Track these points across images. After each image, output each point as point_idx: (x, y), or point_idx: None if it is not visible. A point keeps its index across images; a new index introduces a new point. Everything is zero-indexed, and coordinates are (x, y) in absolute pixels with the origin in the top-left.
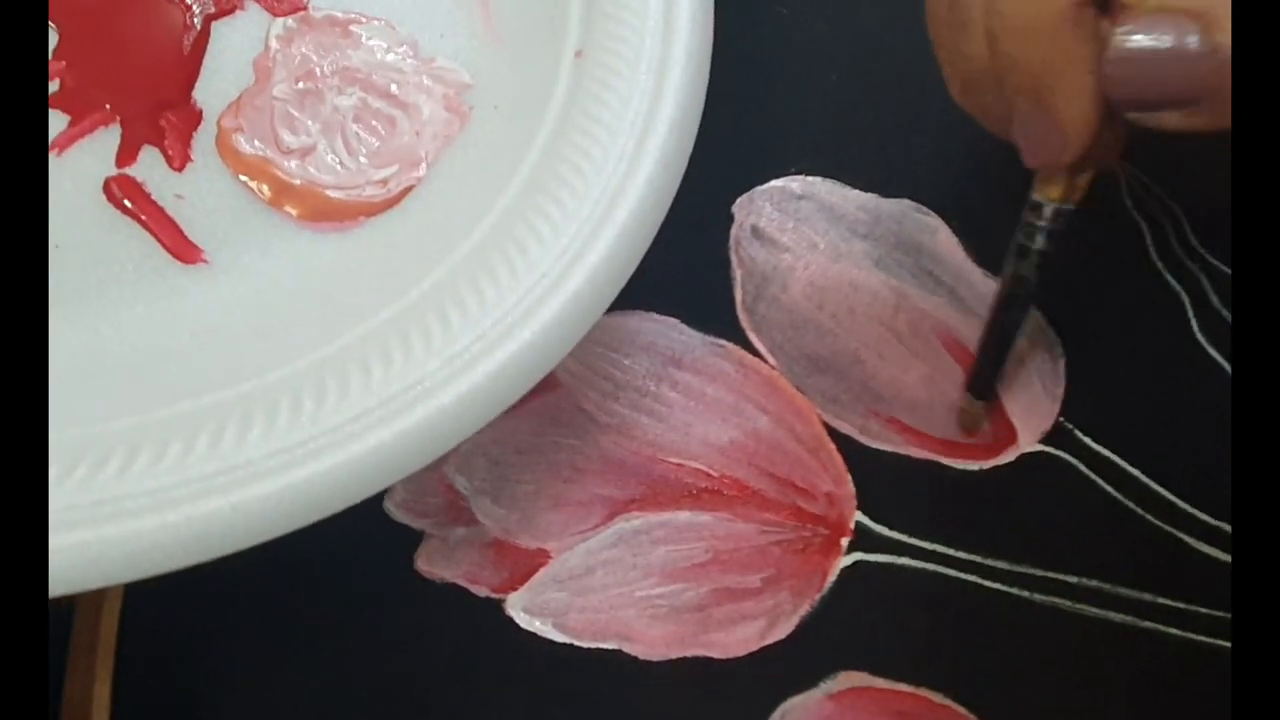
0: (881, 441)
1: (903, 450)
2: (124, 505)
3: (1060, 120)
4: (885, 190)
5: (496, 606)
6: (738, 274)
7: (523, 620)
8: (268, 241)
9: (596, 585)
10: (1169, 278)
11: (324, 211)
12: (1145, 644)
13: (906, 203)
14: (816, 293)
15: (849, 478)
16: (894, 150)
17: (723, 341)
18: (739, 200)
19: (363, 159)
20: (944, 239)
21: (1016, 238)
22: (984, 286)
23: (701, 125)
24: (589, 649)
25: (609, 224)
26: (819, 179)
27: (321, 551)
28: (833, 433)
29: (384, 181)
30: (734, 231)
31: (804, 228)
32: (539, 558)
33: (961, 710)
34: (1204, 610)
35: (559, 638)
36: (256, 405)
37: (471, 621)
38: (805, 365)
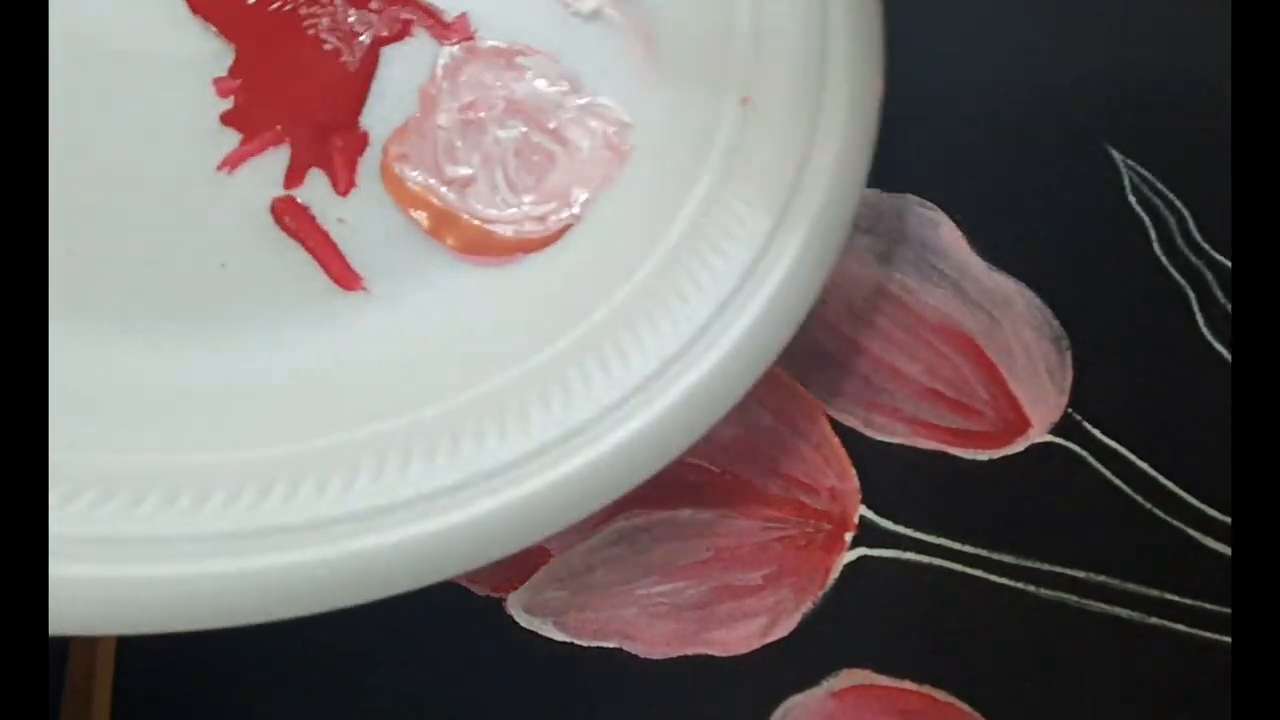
0: (887, 434)
1: (909, 441)
2: (283, 538)
3: None
4: (888, 185)
5: (497, 605)
6: None
7: (523, 619)
8: (426, 272)
9: (597, 584)
10: (1174, 272)
11: (482, 245)
12: (1152, 640)
13: (909, 197)
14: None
15: (853, 472)
16: (896, 145)
17: None
18: None
19: (522, 193)
20: (947, 233)
21: None
22: (988, 280)
23: None
24: (590, 648)
25: (771, 276)
26: None
27: None
28: (837, 427)
29: (542, 218)
30: None
31: None
32: (539, 556)
33: (966, 708)
34: (1211, 606)
35: (559, 636)
36: (418, 440)
37: (471, 621)
38: (808, 360)
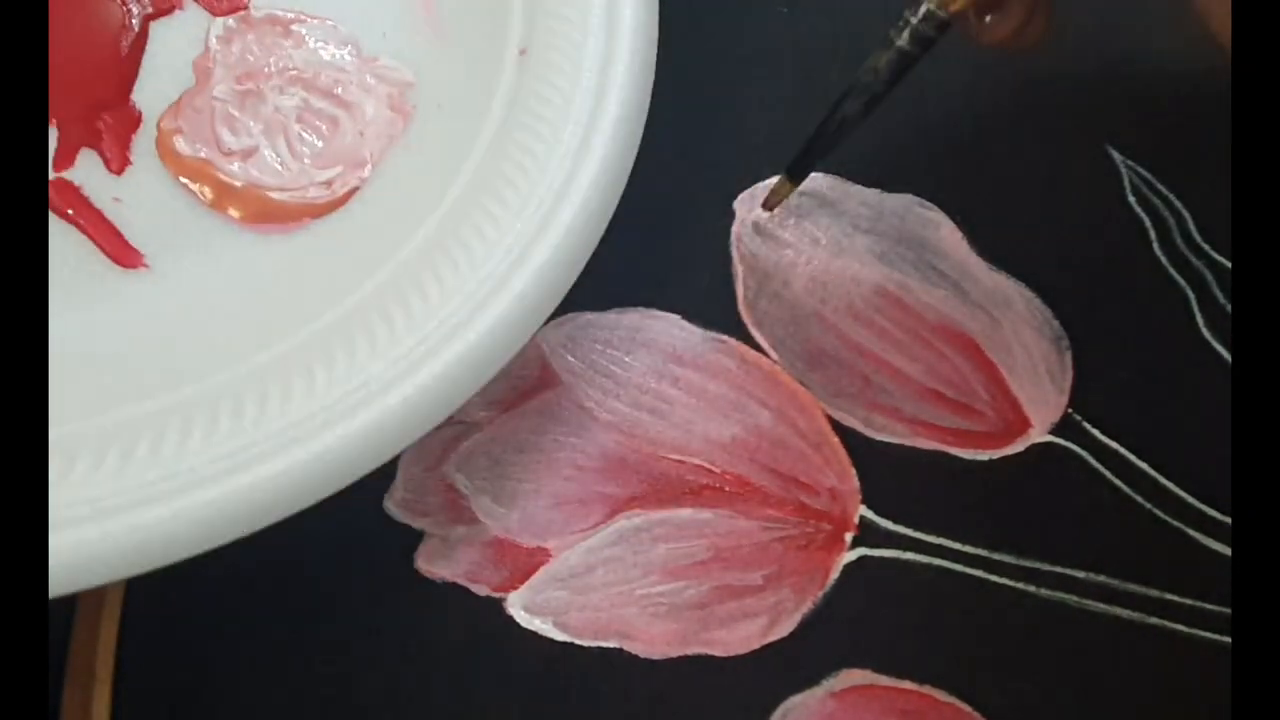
0: (887, 434)
1: (909, 441)
2: (60, 515)
3: None
4: (887, 185)
5: (497, 605)
6: (739, 270)
7: (523, 619)
8: (209, 245)
9: (597, 583)
10: (1173, 272)
11: (267, 214)
12: (1151, 640)
13: (909, 197)
14: (819, 288)
15: (853, 472)
16: (896, 145)
17: (724, 337)
18: (740, 197)
19: (306, 160)
20: (947, 233)
21: (888, 30)
22: (988, 280)
23: (703, 122)
24: (590, 648)
25: (554, 223)
26: (820, 174)
27: (321, 551)
28: (837, 427)
29: (328, 183)
30: (735, 228)
31: (806, 223)
32: (539, 556)
33: (966, 708)
34: (1210, 606)
35: (559, 636)
36: (198, 411)
37: (472, 621)
38: (808, 360)
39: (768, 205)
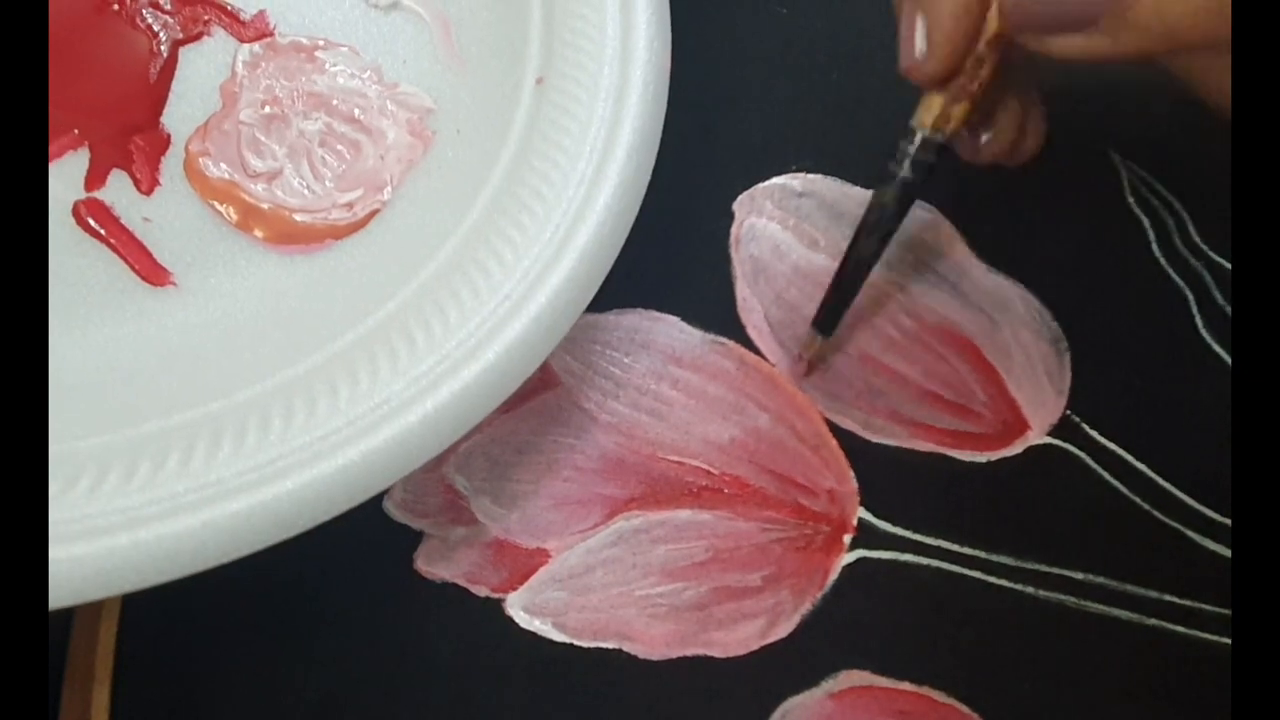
0: (885, 436)
1: (907, 444)
2: (95, 523)
3: (932, 19)
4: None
5: (496, 606)
6: (738, 272)
7: (523, 620)
8: (235, 264)
9: (596, 584)
10: (1172, 274)
11: (290, 235)
12: (1150, 641)
13: None
14: (817, 290)
15: (851, 474)
16: (894, 148)
17: (723, 339)
18: (740, 198)
19: (328, 183)
20: (945, 235)
21: (886, 163)
22: (986, 281)
23: (702, 123)
24: (589, 648)
25: (570, 247)
26: (820, 176)
27: (321, 552)
28: (834, 429)
29: (350, 205)
30: (734, 229)
31: (805, 225)
32: (539, 557)
33: (964, 709)
34: (1209, 607)
35: (559, 637)
36: (226, 424)
37: (471, 621)
38: (806, 363)
39: (805, 362)
